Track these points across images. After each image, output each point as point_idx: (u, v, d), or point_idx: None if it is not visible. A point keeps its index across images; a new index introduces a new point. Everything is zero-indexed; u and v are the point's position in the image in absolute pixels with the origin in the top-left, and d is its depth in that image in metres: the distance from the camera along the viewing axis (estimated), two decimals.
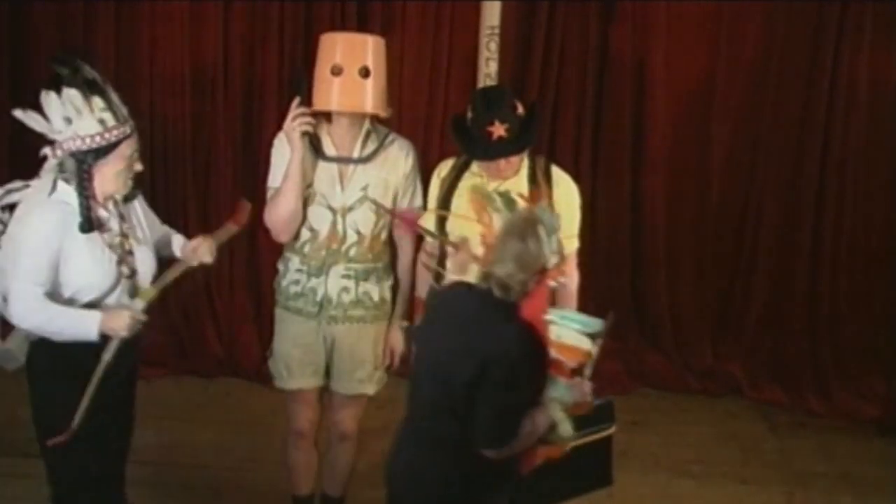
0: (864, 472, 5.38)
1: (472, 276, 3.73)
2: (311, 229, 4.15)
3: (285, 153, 4.05)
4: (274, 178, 4.12)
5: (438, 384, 3.35)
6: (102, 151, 3.52)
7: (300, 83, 4.05)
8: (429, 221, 4.15)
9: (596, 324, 3.54)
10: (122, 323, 3.57)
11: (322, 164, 4.11)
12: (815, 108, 5.81)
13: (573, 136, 5.94)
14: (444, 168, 4.15)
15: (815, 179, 5.83)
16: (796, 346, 5.98)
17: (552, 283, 3.47)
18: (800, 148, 5.84)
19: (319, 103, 4.03)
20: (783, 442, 5.63)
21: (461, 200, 4.05)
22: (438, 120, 5.85)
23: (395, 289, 4.30)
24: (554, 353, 3.46)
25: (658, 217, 6.00)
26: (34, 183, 3.64)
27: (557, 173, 4.06)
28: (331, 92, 4.01)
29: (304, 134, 4.03)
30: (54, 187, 3.55)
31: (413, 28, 5.86)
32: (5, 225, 3.61)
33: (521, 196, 3.87)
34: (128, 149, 3.58)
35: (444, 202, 4.07)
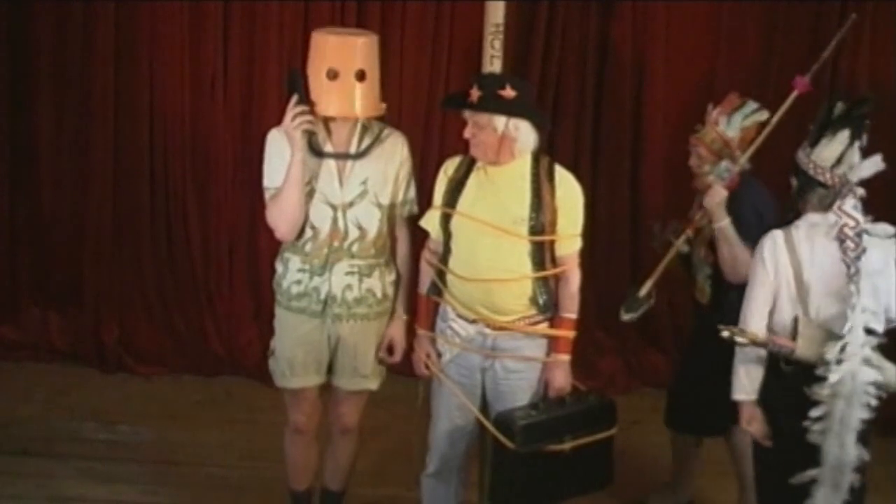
0: None
1: None
2: (313, 227, 4.15)
3: (283, 151, 4.05)
4: (272, 178, 4.12)
5: None
6: None
7: (296, 81, 4.04)
8: (433, 219, 4.16)
9: None
10: None
11: (320, 161, 4.12)
12: (815, 108, 5.79)
13: (573, 135, 5.94)
14: (451, 166, 4.16)
15: None
16: None
17: None
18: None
19: (319, 108, 4.04)
20: None
21: (469, 198, 4.06)
22: (438, 119, 5.85)
23: (397, 283, 4.31)
24: None
25: (658, 216, 5.99)
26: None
27: (561, 173, 4.07)
28: (328, 97, 4.03)
29: (305, 132, 4.05)
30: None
31: (412, 27, 5.86)
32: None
33: None
34: None
35: (451, 200, 4.08)
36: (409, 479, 4.68)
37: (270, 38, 5.84)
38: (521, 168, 4.02)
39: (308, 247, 4.18)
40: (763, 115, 4.54)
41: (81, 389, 5.88)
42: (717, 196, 4.40)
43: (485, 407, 4.20)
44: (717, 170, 4.50)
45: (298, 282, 4.22)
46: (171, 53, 5.88)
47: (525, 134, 3.98)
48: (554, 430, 4.02)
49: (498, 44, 4.43)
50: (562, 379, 4.11)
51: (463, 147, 4.13)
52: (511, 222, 3.97)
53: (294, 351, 4.27)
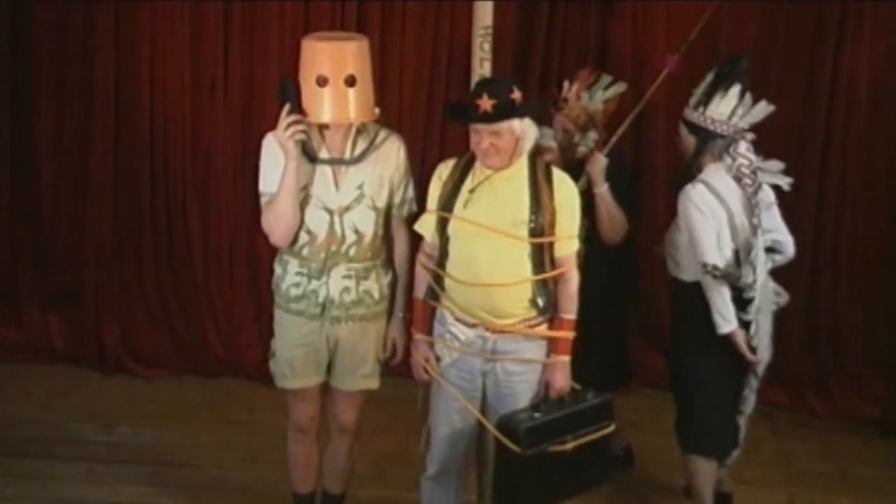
0: (864, 472, 5.37)
1: None
2: (309, 232, 4.15)
3: (277, 157, 4.04)
4: (267, 183, 4.12)
5: None
6: None
7: (287, 90, 4.02)
8: (428, 223, 4.15)
9: None
10: None
11: (315, 167, 4.11)
12: (815, 108, 5.79)
13: None
14: (445, 170, 4.14)
15: (814, 179, 5.81)
16: (796, 346, 5.96)
17: None
18: (799, 148, 5.82)
19: (310, 116, 4.02)
20: (783, 442, 5.63)
21: (466, 202, 4.04)
22: (438, 120, 5.84)
23: (393, 284, 4.30)
24: None
25: (658, 217, 5.99)
26: None
27: (558, 174, 4.06)
28: (319, 104, 4.01)
29: (298, 142, 4.03)
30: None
31: (413, 28, 5.85)
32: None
33: None
34: None
35: (446, 204, 4.06)
36: (408, 480, 4.69)
37: (270, 39, 5.83)
38: (518, 170, 4.01)
39: (305, 251, 4.18)
40: (621, 87, 4.83)
41: (82, 391, 5.89)
42: (599, 163, 4.61)
43: (484, 409, 4.20)
44: (585, 140, 4.74)
45: (297, 284, 4.22)
46: (172, 54, 5.88)
47: (531, 130, 3.99)
48: (556, 431, 4.03)
49: (487, 46, 4.41)
50: (562, 379, 4.12)
51: (464, 147, 4.11)
52: (511, 225, 3.96)
53: (294, 352, 4.27)
